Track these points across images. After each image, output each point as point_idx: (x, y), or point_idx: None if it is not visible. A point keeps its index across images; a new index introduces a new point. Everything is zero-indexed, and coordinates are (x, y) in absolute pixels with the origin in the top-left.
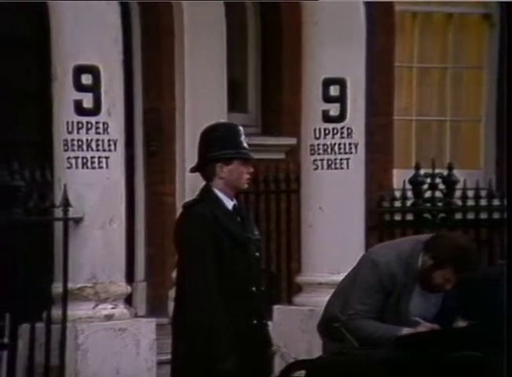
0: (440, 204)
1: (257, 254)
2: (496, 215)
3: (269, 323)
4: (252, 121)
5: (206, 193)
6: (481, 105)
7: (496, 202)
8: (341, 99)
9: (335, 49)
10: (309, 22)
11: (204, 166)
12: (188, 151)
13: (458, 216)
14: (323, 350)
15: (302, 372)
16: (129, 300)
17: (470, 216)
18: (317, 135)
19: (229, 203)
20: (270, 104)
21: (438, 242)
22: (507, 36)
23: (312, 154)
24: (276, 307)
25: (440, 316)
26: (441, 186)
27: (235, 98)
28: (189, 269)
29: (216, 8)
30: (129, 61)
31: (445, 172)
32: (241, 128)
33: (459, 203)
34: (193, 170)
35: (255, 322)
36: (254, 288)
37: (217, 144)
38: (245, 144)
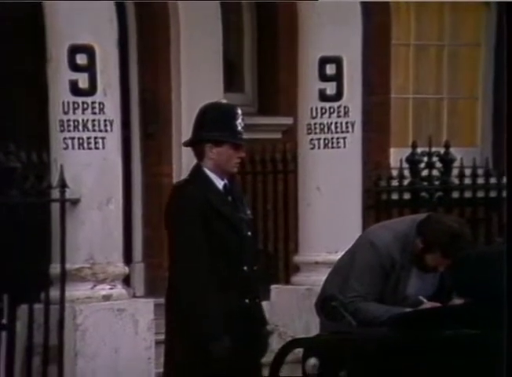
0: (437, 183)
1: (249, 233)
2: (493, 194)
3: (266, 302)
4: (248, 101)
5: (197, 173)
6: (478, 83)
7: (493, 180)
8: (337, 78)
9: (331, 27)
10: (306, 1)
11: (196, 145)
12: (184, 133)
13: (456, 195)
14: (320, 329)
15: (300, 350)
16: (127, 281)
17: (467, 194)
18: (314, 114)
19: (220, 183)
20: (266, 83)
21: (428, 226)
22: (507, 36)
23: (309, 133)
24: (273, 287)
25: (438, 295)
26: (438, 165)
27: (232, 78)
28: (180, 250)
29: None
30: (124, 42)
31: (442, 150)
32: (239, 111)
33: (456, 181)
34: (185, 145)
35: (247, 301)
36: (245, 268)
37: (210, 125)
38: (239, 128)
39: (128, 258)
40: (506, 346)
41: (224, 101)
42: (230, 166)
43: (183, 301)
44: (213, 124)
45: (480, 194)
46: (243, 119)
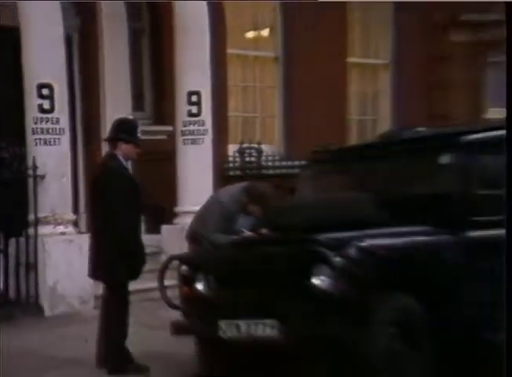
0: (255, 165)
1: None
2: (284, 170)
3: (159, 235)
4: (148, 116)
5: (113, 157)
6: (275, 107)
7: (283, 163)
8: (198, 103)
9: (192, 74)
10: (178, 55)
11: (112, 141)
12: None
13: (265, 171)
14: (189, 249)
15: (177, 262)
16: (75, 223)
17: (271, 171)
18: (186, 125)
19: (126, 163)
20: (159, 105)
21: (249, 189)
22: (507, 36)
23: (182, 135)
24: (163, 226)
25: (254, 228)
26: (255, 154)
27: (137, 101)
28: (116, 205)
29: (123, 43)
30: (72, 80)
31: (257, 145)
32: (138, 122)
33: (265, 164)
34: (106, 140)
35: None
36: (141, 215)
37: (122, 130)
38: (139, 134)
39: (76, 210)
40: (506, 346)
41: (131, 117)
42: (132, 156)
43: (120, 240)
44: (124, 130)
45: (278, 171)
46: (140, 128)
